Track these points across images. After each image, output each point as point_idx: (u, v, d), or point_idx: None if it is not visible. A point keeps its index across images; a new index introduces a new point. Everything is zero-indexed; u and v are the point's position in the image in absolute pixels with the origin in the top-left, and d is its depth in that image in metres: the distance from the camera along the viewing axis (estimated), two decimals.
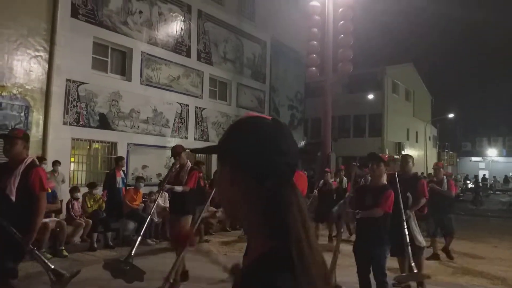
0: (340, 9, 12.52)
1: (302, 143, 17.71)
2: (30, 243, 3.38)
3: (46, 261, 3.68)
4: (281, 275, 0.70)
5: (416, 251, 4.83)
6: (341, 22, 12.47)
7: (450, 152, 36.22)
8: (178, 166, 5.20)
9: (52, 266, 3.62)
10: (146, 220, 5.24)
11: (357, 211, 3.88)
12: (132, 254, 4.49)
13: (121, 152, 9.88)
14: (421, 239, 4.99)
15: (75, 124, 9.09)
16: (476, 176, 26.13)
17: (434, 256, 6.83)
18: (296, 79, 17.31)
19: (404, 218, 4.67)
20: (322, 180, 8.75)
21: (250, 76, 14.65)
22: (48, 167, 7.70)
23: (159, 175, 10.56)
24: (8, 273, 3.36)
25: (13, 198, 3.34)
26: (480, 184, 26.23)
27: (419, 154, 26.95)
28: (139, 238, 4.90)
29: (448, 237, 7.00)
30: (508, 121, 40.28)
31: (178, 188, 5.04)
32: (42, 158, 7.38)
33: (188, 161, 5.33)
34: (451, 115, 31.78)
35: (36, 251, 3.55)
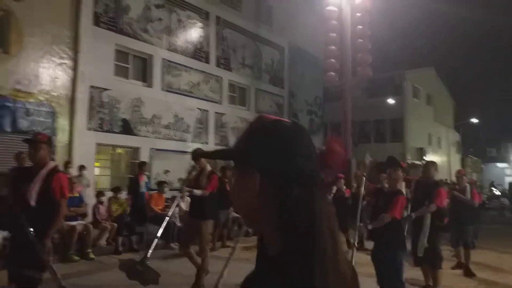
0: (358, 14, 12.47)
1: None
2: (46, 249, 3.33)
3: (59, 276, 3.58)
4: (300, 284, 0.68)
5: (435, 262, 4.72)
6: (359, 26, 12.42)
7: (475, 158, 35.18)
8: (198, 170, 5.14)
9: (63, 284, 3.54)
10: (163, 223, 4.97)
11: (368, 222, 3.93)
12: (148, 255, 4.41)
13: (144, 157, 9.99)
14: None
15: (99, 129, 9.27)
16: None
17: (459, 265, 6.49)
18: (315, 84, 17.24)
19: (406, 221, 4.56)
20: (335, 187, 8.60)
21: (269, 81, 14.68)
22: (74, 171, 7.85)
23: (180, 179, 10.60)
24: (31, 282, 3.27)
25: (33, 203, 3.30)
26: None
27: (442, 160, 26.27)
28: (156, 240, 4.80)
29: (465, 251, 6.42)
30: None
31: (197, 192, 4.99)
32: (67, 163, 7.53)
33: (208, 165, 5.26)
34: (474, 120, 30.94)
35: (51, 264, 3.50)
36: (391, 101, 22.14)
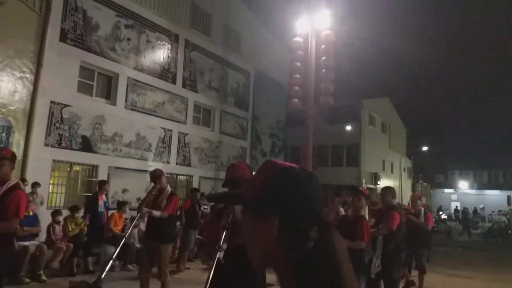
0: (323, 46, 13.15)
1: None
2: None
3: None
4: None
5: (390, 285, 4.89)
6: (323, 57, 13.07)
7: (424, 183, 37.29)
8: (157, 190, 4.97)
9: None
10: (120, 244, 4.75)
11: None
12: (103, 277, 4.21)
13: (102, 175, 9.82)
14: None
15: (57, 146, 9.04)
16: (466, 209, 26.83)
17: (409, 284, 6.72)
18: (278, 108, 17.79)
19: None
20: None
21: (234, 104, 14.99)
22: (27, 189, 7.59)
23: (139, 199, 10.48)
24: None
25: None
26: (471, 216, 26.74)
27: (394, 184, 27.56)
28: (111, 261, 4.67)
29: (419, 275, 6.68)
30: (478, 156, 42.05)
31: (156, 213, 4.79)
32: (23, 180, 7.30)
33: (168, 185, 5.15)
34: (425, 148, 33.00)
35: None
36: (348, 127, 23.19)
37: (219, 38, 14.24)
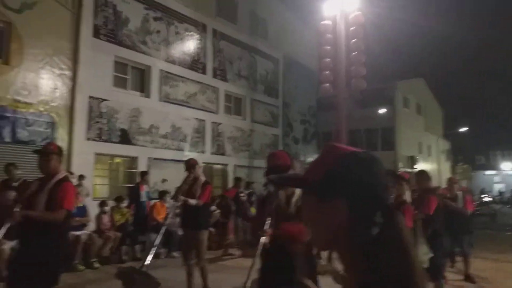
0: (352, 28, 12.79)
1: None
2: (17, 216, 3.23)
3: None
4: None
5: (434, 273, 4.64)
6: (353, 40, 12.72)
7: (464, 165, 35.80)
8: (191, 179, 5.06)
9: None
10: (161, 231, 4.84)
11: None
12: (147, 263, 4.29)
13: (142, 166, 10.08)
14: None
15: (98, 139, 9.35)
16: None
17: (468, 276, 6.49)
18: (308, 94, 17.54)
19: None
20: None
21: (264, 91, 14.92)
22: (74, 181, 7.89)
23: (175, 189, 10.70)
24: None
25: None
26: None
27: (432, 168, 26.72)
28: (155, 248, 4.73)
29: (464, 260, 6.49)
30: None
31: (192, 201, 4.91)
32: (70, 173, 7.58)
33: (202, 175, 5.23)
34: (463, 129, 31.58)
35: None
36: (382, 110, 22.57)
37: (246, 25, 14.17)
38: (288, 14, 16.48)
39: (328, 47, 13.38)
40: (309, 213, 0.84)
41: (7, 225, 3.55)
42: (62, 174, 3.52)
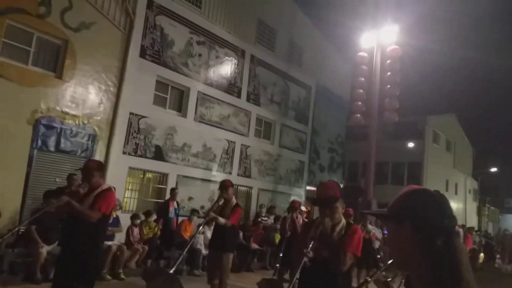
0: (388, 61, 12.91)
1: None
2: (59, 202, 3.47)
3: None
4: None
5: None
6: (389, 73, 12.84)
7: (492, 207, 34.49)
8: (223, 200, 5.13)
9: None
10: (188, 245, 4.89)
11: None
12: (174, 268, 4.26)
13: (171, 182, 10.38)
14: None
15: (133, 154, 9.73)
16: None
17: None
18: (338, 123, 17.61)
19: None
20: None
21: (294, 118, 15.11)
22: None
23: (202, 207, 10.92)
24: None
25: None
26: None
27: (458, 207, 25.96)
28: (183, 255, 4.79)
29: None
30: None
31: (222, 220, 4.94)
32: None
33: (234, 197, 5.31)
34: (493, 169, 30.60)
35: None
36: (411, 144, 22.26)
37: (283, 53, 14.53)
38: (324, 43, 16.77)
39: (363, 79, 13.55)
40: (391, 238, 1.14)
41: (44, 209, 4.03)
42: (105, 185, 3.79)
